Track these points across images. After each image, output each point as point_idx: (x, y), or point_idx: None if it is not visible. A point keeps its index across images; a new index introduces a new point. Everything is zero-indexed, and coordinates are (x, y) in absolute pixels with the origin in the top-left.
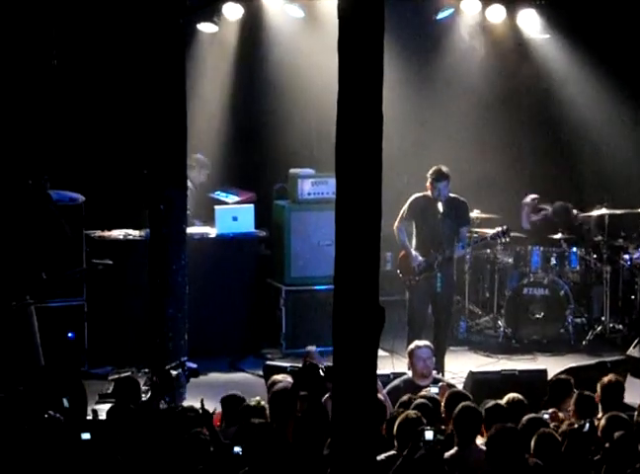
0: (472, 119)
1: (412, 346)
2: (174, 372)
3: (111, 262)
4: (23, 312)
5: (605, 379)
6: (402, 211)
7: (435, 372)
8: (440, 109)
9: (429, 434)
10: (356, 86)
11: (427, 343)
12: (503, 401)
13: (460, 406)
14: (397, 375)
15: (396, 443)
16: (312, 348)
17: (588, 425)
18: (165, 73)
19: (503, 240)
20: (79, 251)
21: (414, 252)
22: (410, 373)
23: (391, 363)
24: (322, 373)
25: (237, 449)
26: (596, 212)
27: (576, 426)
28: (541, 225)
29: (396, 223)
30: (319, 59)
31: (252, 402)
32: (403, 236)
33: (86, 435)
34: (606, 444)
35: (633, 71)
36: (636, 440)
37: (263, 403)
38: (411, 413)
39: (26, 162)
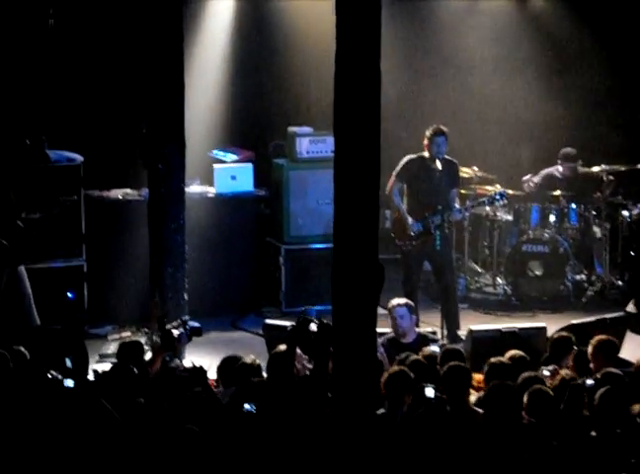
0: (472, 74)
1: (389, 305)
2: (176, 332)
3: (75, 198)
4: (12, 272)
5: (596, 338)
6: (395, 173)
7: (417, 329)
8: (439, 64)
9: (429, 392)
10: (353, 43)
11: (404, 301)
12: (505, 358)
13: (447, 366)
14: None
15: (386, 400)
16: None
17: (592, 381)
18: (163, 31)
19: (500, 204)
20: (77, 211)
21: (410, 219)
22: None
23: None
24: (315, 328)
25: (248, 407)
26: (596, 168)
27: (579, 381)
28: (544, 184)
29: (389, 186)
30: (317, 18)
31: (247, 360)
32: (398, 200)
33: (69, 382)
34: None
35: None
36: (627, 397)
37: (258, 361)
38: (395, 368)
39: (24, 122)
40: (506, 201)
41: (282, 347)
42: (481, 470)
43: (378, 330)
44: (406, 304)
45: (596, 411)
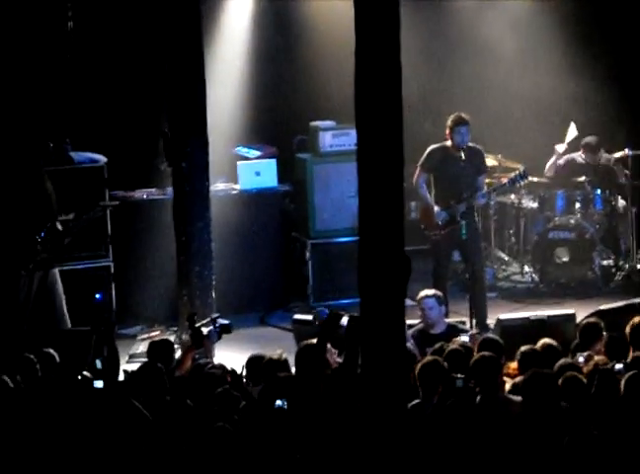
0: (494, 62)
1: (418, 296)
2: (205, 329)
3: (117, 202)
4: (43, 275)
5: (635, 320)
6: (420, 164)
7: (446, 319)
8: (459, 53)
9: (459, 383)
10: (372, 34)
11: (433, 292)
12: (537, 345)
13: (476, 357)
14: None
15: (420, 390)
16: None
17: (621, 366)
18: (182, 29)
19: (521, 183)
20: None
21: (436, 208)
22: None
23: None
24: (345, 322)
25: (279, 403)
26: (619, 154)
27: (608, 366)
28: (566, 167)
29: (415, 177)
30: (337, 11)
31: (274, 356)
32: (424, 190)
33: (99, 383)
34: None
35: None
36: None
37: (285, 356)
38: (429, 358)
39: (46, 125)
40: (527, 180)
41: (310, 340)
42: (516, 460)
43: (408, 321)
44: (434, 295)
45: (622, 395)
